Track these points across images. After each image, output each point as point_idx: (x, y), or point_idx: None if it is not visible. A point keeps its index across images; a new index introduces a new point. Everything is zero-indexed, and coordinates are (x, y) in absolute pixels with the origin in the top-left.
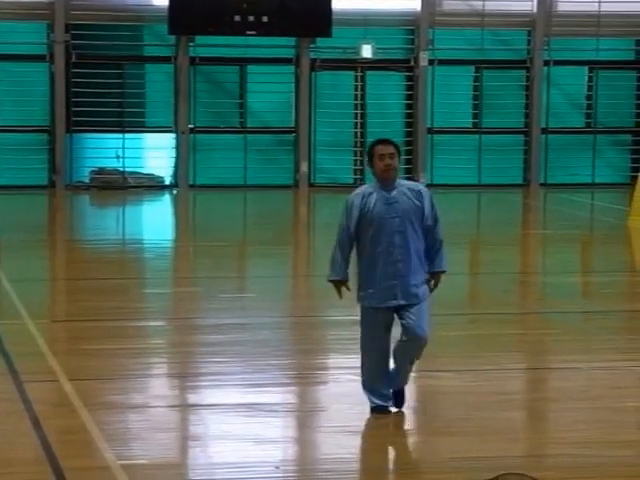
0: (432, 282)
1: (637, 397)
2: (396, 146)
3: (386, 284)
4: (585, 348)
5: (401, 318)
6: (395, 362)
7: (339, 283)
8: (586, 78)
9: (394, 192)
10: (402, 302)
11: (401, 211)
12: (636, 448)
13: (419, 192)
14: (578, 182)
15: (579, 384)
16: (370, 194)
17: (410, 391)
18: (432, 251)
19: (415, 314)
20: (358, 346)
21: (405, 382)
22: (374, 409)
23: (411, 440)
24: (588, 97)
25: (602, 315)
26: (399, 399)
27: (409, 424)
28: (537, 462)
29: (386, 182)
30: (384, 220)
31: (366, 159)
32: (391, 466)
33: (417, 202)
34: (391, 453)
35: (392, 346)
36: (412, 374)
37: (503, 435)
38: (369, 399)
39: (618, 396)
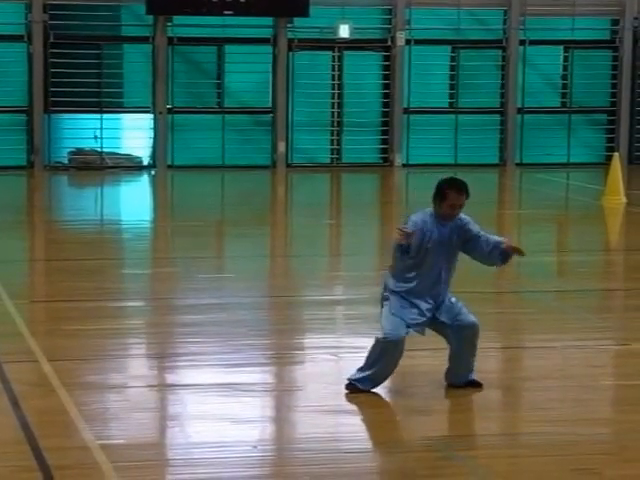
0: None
1: (611, 375)
2: (467, 194)
3: None
4: (560, 327)
5: None
6: None
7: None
8: (562, 58)
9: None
10: None
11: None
12: (610, 426)
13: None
14: (554, 162)
15: (554, 363)
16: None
17: None
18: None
19: None
20: (335, 326)
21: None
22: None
23: (387, 419)
24: (564, 77)
25: (577, 294)
26: None
27: (385, 403)
28: (512, 440)
29: (445, 222)
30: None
31: (433, 193)
32: (368, 445)
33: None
34: (368, 432)
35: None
36: None
37: (478, 414)
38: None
39: (592, 374)
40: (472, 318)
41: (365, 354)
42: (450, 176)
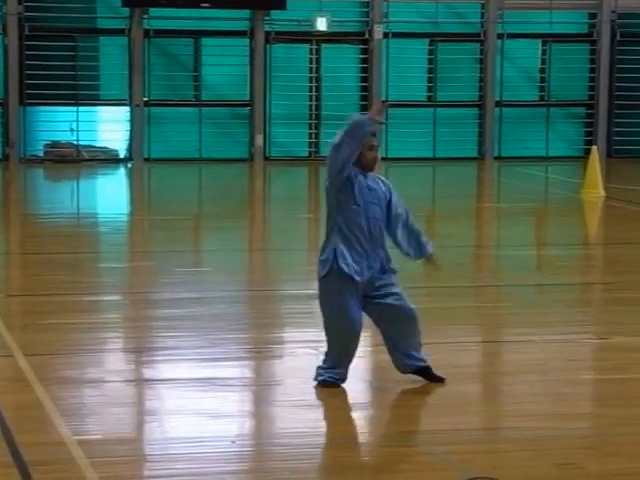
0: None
1: (591, 369)
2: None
3: None
4: (539, 321)
5: None
6: None
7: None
8: (540, 51)
9: (369, 179)
10: None
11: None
12: (590, 420)
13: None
14: (532, 155)
15: (534, 357)
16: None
17: (365, 365)
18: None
19: None
20: (314, 320)
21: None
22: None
23: (367, 414)
24: (542, 70)
25: (556, 288)
26: None
27: (365, 398)
28: (492, 435)
29: (369, 171)
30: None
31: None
32: (347, 440)
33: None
34: (347, 427)
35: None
36: (368, 348)
37: (457, 408)
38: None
39: (572, 369)
40: None
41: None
42: None
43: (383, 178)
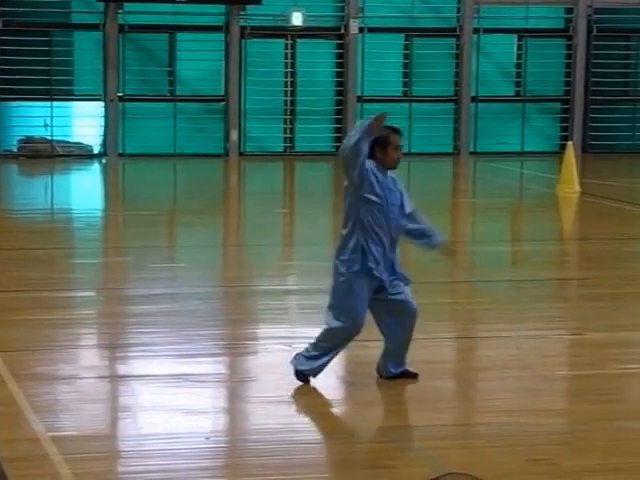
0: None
1: (566, 365)
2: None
3: None
4: (514, 317)
5: None
6: None
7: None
8: (515, 46)
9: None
10: None
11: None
12: (563, 416)
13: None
14: (508, 150)
15: (508, 353)
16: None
17: (339, 361)
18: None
19: None
20: (288, 316)
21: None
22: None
23: (341, 410)
24: (518, 65)
25: (531, 284)
26: None
27: (339, 394)
28: (466, 431)
29: (392, 169)
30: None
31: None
32: (321, 436)
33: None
34: (321, 423)
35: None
36: None
37: (432, 404)
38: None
39: (546, 364)
40: None
41: None
42: None
43: (394, 176)
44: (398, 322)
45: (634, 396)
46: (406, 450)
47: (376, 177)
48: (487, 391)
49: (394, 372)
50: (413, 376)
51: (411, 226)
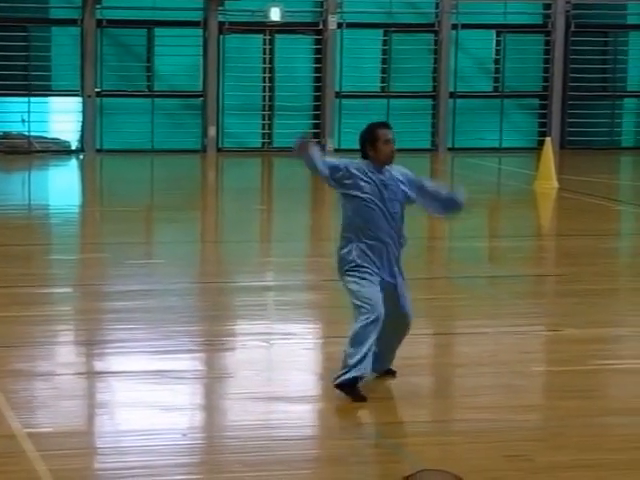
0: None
1: (543, 361)
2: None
3: None
4: (491, 313)
5: None
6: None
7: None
8: (494, 42)
9: (385, 176)
10: None
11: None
12: (540, 412)
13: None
14: (486, 146)
15: (485, 349)
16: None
17: (316, 357)
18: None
19: None
20: (266, 312)
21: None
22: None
23: (319, 407)
24: (496, 61)
25: (509, 280)
26: None
27: (316, 391)
28: (443, 427)
29: (386, 165)
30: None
31: (361, 141)
32: (299, 432)
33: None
34: (299, 420)
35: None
36: (319, 340)
37: (410, 400)
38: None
39: (524, 361)
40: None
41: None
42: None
43: (397, 167)
44: (391, 332)
45: (610, 392)
46: (382, 447)
47: (366, 177)
48: (464, 387)
49: (379, 368)
50: (392, 373)
51: (426, 202)
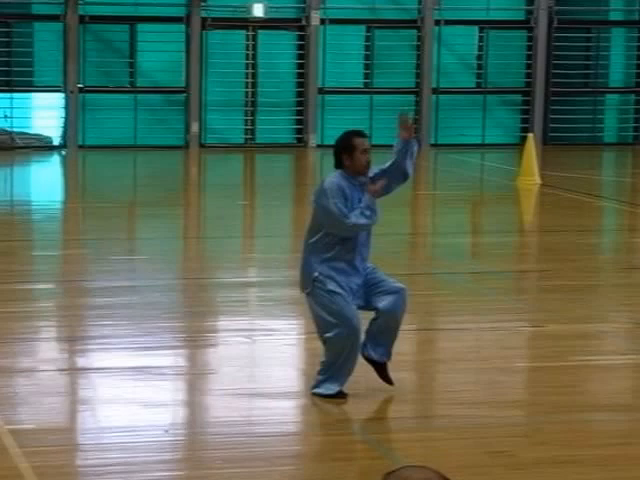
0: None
1: (525, 357)
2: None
3: None
4: (474, 309)
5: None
6: None
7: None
8: (477, 38)
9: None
10: None
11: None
12: (523, 408)
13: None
14: (468, 142)
15: (468, 345)
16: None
17: (299, 353)
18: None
19: None
20: (248, 308)
21: None
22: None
23: (300, 403)
24: (479, 57)
25: (491, 275)
26: None
27: (298, 386)
28: (426, 423)
29: (361, 175)
30: None
31: (335, 150)
32: (280, 429)
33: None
34: (280, 416)
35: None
36: (302, 336)
37: (392, 397)
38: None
39: (506, 356)
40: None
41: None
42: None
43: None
44: (386, 315)
45: (593, 388)
46: (365, 442)
47: (344, 196)
48: (447, 383)
49: (370, 353)
50: (389, 382)
51: (389, 180)
